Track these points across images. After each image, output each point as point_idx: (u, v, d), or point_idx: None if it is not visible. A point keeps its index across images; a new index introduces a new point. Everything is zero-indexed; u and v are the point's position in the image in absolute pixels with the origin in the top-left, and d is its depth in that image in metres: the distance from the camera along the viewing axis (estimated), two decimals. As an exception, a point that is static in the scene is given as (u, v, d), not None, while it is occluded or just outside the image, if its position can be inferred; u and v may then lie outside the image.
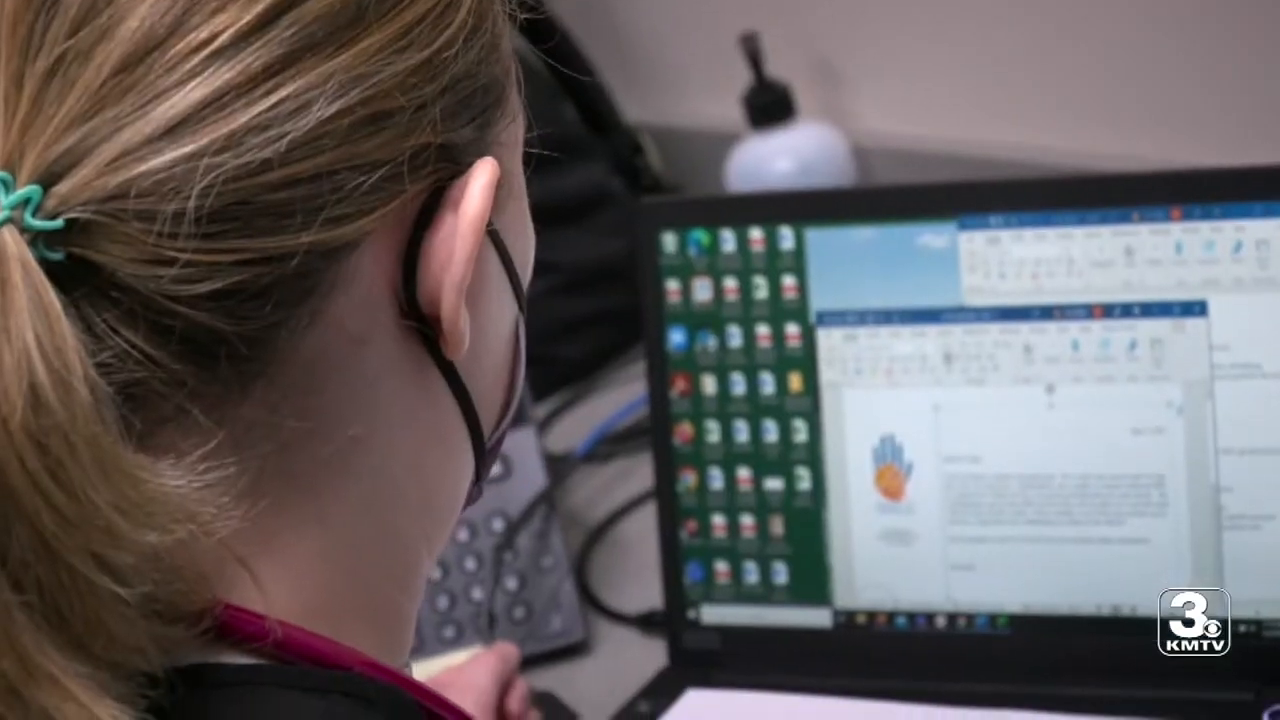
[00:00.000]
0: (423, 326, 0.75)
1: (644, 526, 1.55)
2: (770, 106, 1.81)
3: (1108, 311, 1.27)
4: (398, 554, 0.78)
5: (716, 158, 1.84)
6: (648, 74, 2.00)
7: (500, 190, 0.76)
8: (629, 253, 1.72)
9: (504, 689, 1.33)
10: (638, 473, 1.63)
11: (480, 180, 0.74)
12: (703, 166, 1.90)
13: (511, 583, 1.49)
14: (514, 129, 0.78)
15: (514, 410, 0.82)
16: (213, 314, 0.69)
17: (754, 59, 1.80)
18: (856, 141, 1.82)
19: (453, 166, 0.74)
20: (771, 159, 1.81)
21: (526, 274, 0.81)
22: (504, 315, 0.79)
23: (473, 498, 0.82)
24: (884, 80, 1.84)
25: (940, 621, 1.32)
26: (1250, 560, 1.23)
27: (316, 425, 0.73)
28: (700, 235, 1.37)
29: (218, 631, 0.70)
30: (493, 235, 0.76)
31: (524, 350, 0.81)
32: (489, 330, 0.78)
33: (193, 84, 0.68)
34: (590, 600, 1.52)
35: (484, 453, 0.80)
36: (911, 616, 1.33)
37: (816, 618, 1.35)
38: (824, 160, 1.80)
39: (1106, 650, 1.27)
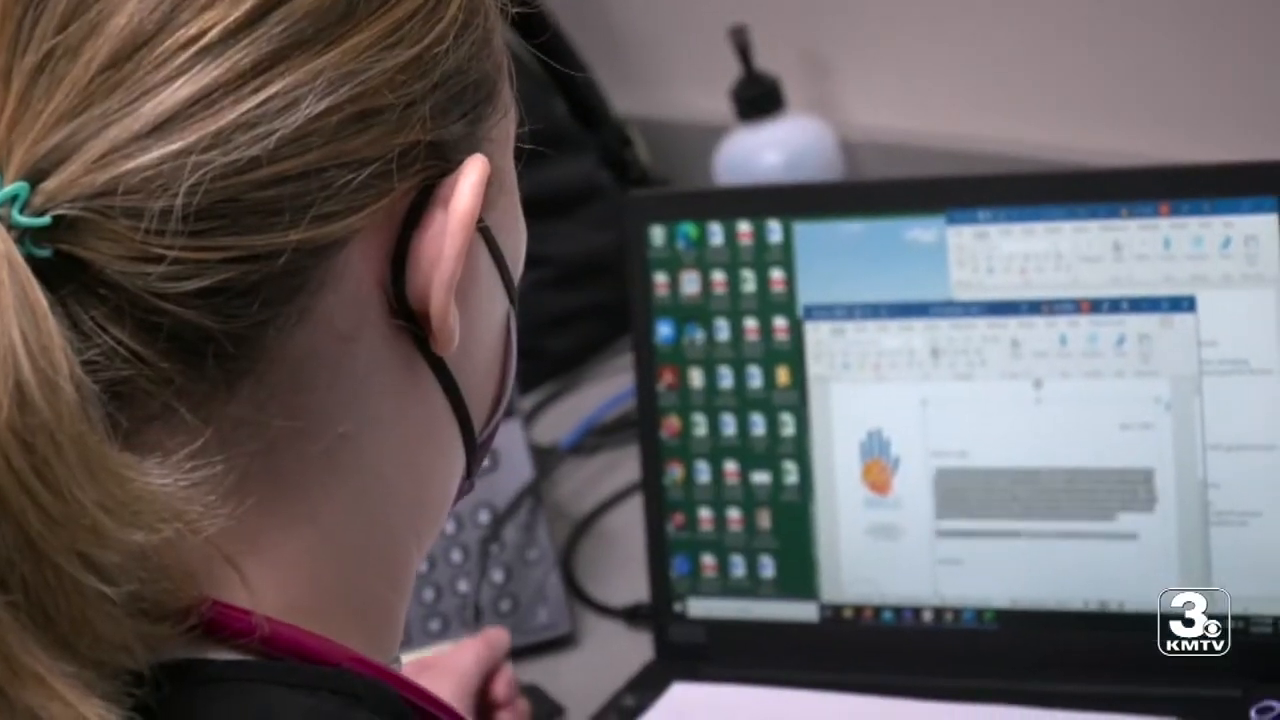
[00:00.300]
0: (412, 324, 0.74)
1: (630, 519, 1.55)
2: (759, 99, 1.81)
3: (1096, 307, 1.27)
4: (387, 551, 0.77)
5: (705, 150, 1.84)
6: (637, 67, 1.99)
7: (491, 186, 0.75)
8: (617, 246, 1.72)
9: (489, 675, 1.32)
10: (624, 465, 1.63)
11: (470, 178, 0.74)
12: (691, 159, 1.89)
13: (498, 575, 1.49)
14: (505, 124, 0.78)
15: (505, 405, 0.81)
16: (200, 312, 0.69)
17: (743, 52, 1.80)
18: (845, 135, 1.82)
19: (443, 164, 0.74)
20: (760, 152, 1.80)
21: (518, 269, 0.80)
22: (495, 310, 0.79)
23: (463, 492, 0.81)
24: (873, 74, 1.84)
25: (927, 616, 1.32)
26: (1238, 556, 1.23)
27: (305, 423, 0.72)
28: (688, 228, 1.36)
29: (205, 628, 0.70)
30: (483, 232, 0.76)
31: (515, 345, 0.81)
32: (479, 325, 0.78)
33: (181, 81, 0.68)
34: (576, 593, 1.52)
35: (475, 447, 0.79)
36: (898, 611, 1.33)
37: (803, 612, 1.35)
38: (812, 154, 1.80)
39: (1094, 646, 1.27)
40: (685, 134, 1.92)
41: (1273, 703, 1.20)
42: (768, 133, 1.81)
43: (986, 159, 1.65)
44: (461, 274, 0.74)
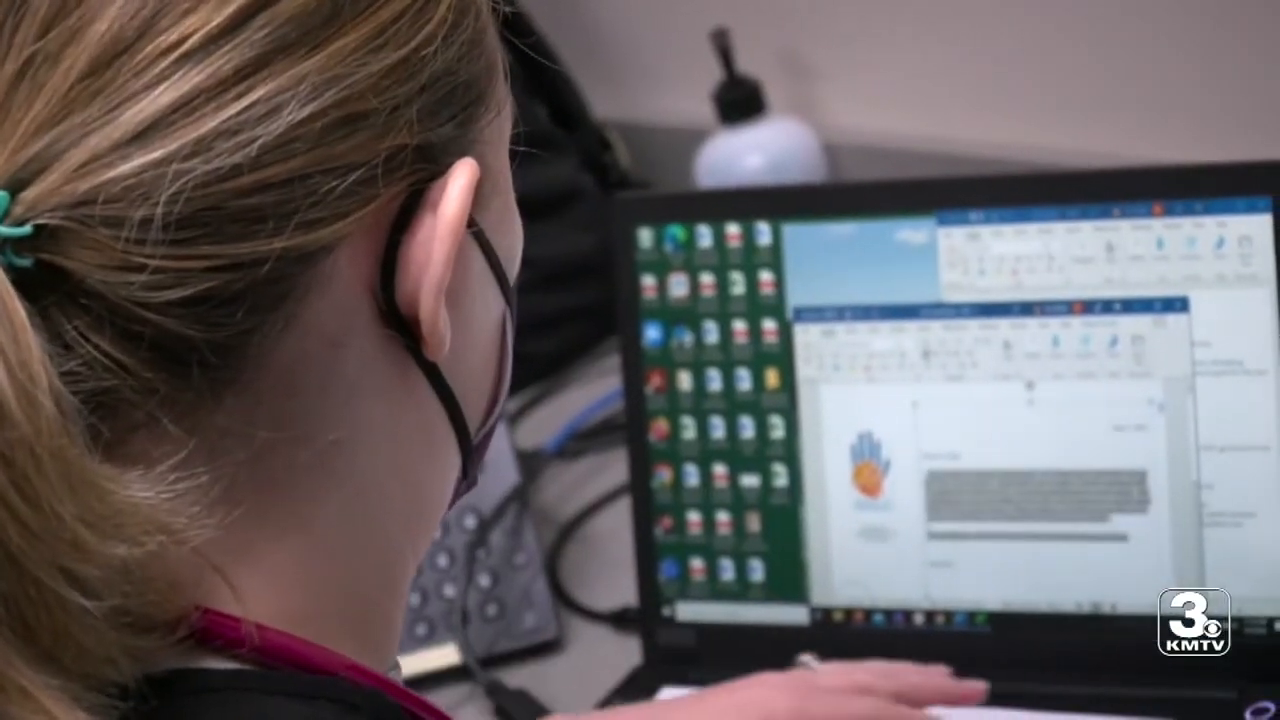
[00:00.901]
0: (403, 329, 0.73)
1: (615, 523, 1.54)
2: (741, 102, 1.80)
3: (1088, 308, 1.26)
4: (382, 556, 0.77)
5: (686, 154, 1.83)
6: (617, 69, 1.99)
7: (484, 187, 0.75)
8: (599, 248, 1.72)
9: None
10: (608, 469, 1.63)
11: (459, 182, 0.73)
12: (672, 162, 1.89)
13: (484, 580, 1.49)
14: (499, 123, 0.77)
15: (503, 405, 0.80)
16: (183, 321, 0.68)
17: (724, 55, 1.79)
18: (827, 137, 1.82)
19: (431, 167, 0.73)
20: (742, 155, 1.80)
21: (514, 268, 0.80)
22: (489, 312, 0.78)
23: (461, 492, 0.81)
24: (855, 76, 1.83)
25: (918, 619, 1.31)
26: (1232, 558, 1.23)
27: (294, 431, 0.72)
28: (677, 231, 1.36)
29: (199, 637, 0.70)
30: (476, 235, 0.75)
31: (511, 345, 0.80)
32: (473, 328, 0.77)
33: (161, 88, 0.67)
34: (562, 597, 1.51)
35: (471, 449, 0.79)
36: (889, 614, 1.32)
37: (793, 615, 1.34)
38: (794, 156, 1.80)
39: (1087, 648, 1.27)
40: (666, 137, 1.92)
41: (1268, 704, 1.19)
42: (749, 135, 1.80)
43: (970, 161, 1.65)
44: (453, 277, 0.73)
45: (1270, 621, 1.22)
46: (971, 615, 1.30)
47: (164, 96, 0.67)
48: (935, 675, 1.22)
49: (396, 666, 0.79)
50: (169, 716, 0.68)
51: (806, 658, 1.22)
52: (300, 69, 0.68)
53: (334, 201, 0.69)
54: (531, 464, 1.63)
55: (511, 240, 0.79)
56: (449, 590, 1.48)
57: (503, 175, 0.78)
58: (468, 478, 0.80)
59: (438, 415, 0.76)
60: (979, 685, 1.22)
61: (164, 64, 0.67)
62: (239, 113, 0.67)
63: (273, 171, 0.68)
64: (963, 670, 1.27)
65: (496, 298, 0.78)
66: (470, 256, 0.75)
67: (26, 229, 0.66)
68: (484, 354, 0.78)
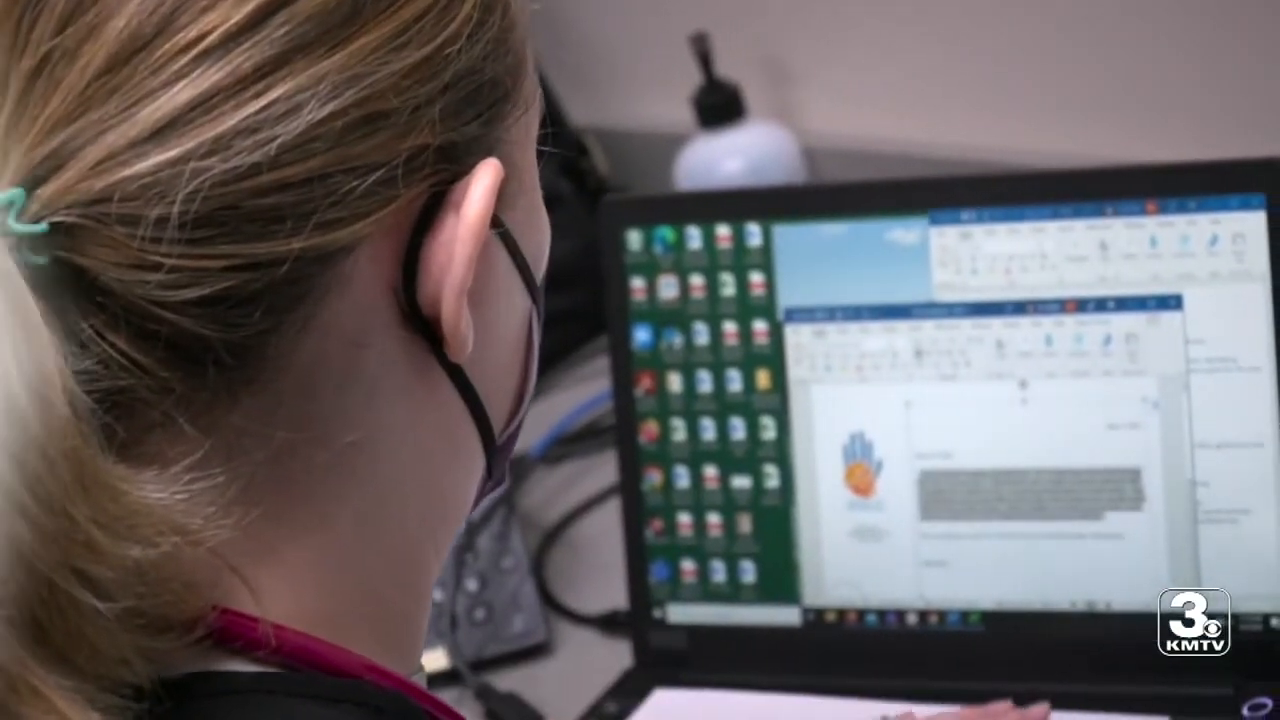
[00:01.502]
0: (425, 330, 0.73)
1: (602, 527, 1.54)
2: (720, 106, 1.80)
3: (1081, 306, 1.27)
4: (402, 557, 0.76)
5: (665, 158, 1.83)
6: (595, 74, 1.98)
7: (510, 186, 0.74)
8: (577, 253, 1.71)
9: None
10: (593, 472, 1.63)
11: (482, 183, 0.72)
12: (651, 167, 1.89)
13: (472, 584, 1.49)
14: (526, 121, 0.76)
15: (528, 402, 0.80)
16: (199, 320, 0.67)
17: (704, 59, 1.79)
18: (807, 141, 1.82)
19: (454, 167, 0.72)
20: (721, 159, 1.80)
21: (541, 266, 0.79)
22: (514, 311, 0.78)
23: (486, 491, 0.80)
24: (835, 80, 1.83)
25: (911, 619, 1.31)
26: (1227, 555, 1.23)
27: (313, 432, 0.71)
28: (665, 232, 1.36)
29: (217, 638, 0.69)
30: (501, 235, 0.75)
31: (538, 343, 0.80)
32: (498, 327, 0.76)
33: (179, 85, 0.67)
34: (549, 601, 1.51)
35: (495, 448, 0.78)
36: (882, 614, 1.32)
37: (785, 616, 1.34)
38: (774, 160, 1.80)
39: (1081, 647, 1.27)
40: (645, 142, 1.92)
41: (1265, 700, 1.20)
42: (729, 140, 1.80)
43: (956, 164, 1.65)
44: (477, 277, 0.72)
45: (1266, 618, 1.22)
46: (965, 615, 1.30)
47: (182, 94, 0.66)
48: (1000, 716, 1.21)
49: (421, 669, 0.78)
50: (191, 718, 0.67)
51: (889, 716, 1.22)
52: (320, 68, 0.68)
53: (354, 202, 0.68)
54: (517, 468, 1.63)
55: (539, 239, 0.79)
56: (437, 594, 1.48)
57: (529, 173, 0.77)
58: (493, 477, 0.80)
59: (461, 415, 0.76)
60: (1040, 709, 1.21)
61: (182, 61, 0.67)
62: (258, 111, 0.67)
63: (292, 171, 0.67)
64: (956, 669, 1.28)
65: (522, 296, 0.78)
66: (495, 256, 0.75)
67: (42, 226, 0.65)
68: (509, 352, 0.78)
